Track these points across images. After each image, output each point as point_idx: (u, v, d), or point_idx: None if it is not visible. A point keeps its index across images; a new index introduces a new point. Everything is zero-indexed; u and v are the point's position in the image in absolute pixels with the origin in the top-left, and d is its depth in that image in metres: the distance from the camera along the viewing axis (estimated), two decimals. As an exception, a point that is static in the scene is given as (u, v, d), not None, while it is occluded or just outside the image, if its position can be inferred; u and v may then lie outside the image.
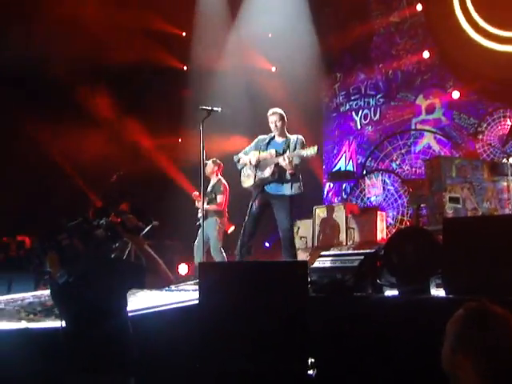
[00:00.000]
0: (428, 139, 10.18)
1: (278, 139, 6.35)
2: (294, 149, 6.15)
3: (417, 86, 10.53)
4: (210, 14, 11.35)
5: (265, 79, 11.53)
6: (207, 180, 8.08)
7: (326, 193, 11.97)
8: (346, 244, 7.92)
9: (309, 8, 11.35)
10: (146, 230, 3.43)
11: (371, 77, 11.44)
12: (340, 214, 8.22)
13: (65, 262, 3.17)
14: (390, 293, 4.33)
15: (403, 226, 9.35)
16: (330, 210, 8.47)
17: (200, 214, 7.61)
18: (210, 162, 8.05)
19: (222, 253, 7.94)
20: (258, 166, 6.22)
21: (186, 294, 5.36)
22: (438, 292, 4.09)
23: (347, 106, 11.91)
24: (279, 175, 6.11)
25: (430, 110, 10.26)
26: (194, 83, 11.47)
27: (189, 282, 6.53)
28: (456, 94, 9.77)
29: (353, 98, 11.81)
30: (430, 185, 6.93)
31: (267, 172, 6.13)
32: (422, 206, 7.54)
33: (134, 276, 3.21)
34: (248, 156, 6.34)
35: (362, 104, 11.60)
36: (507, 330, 1.86)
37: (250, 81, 10.92)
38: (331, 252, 5.82)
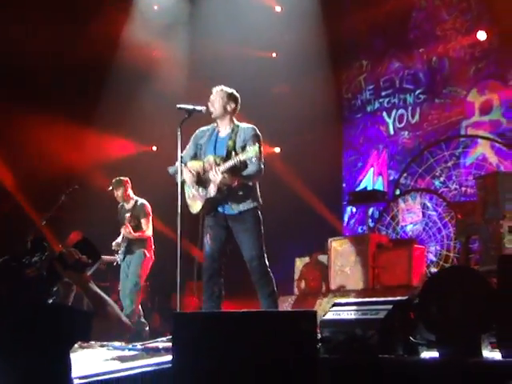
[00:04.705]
0: (483, 148, 10.25)
1: (222, 131, 6.27)
2: (244, 146, 6.04)
3: (469, 78, 10.64)
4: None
5: (262, 68, 11.66)
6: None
7: (346, 220, 12.03)
8: (372, 288, 7.96)
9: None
10: (94, 267, 3.49)
11: (409, 65, 11.59)
12: (364, 248, 8.28)
13: None
14: (428, 354, 4.36)
15: (448, 265, 9.36)
16: (351, 242, 8.54)
17: (121, 249, 8.40)
18: (114, 187, 8.63)
19: (137, 296, 8.27)
20: (200, 181, 6.18)
21: (157, 355, 5.38)
22: (491, 354, 4.12)
23: (376, 105, 12.05)
24: (229, 189, 6.04)
25: (486, 108, 10.35)
26: (168, 73, 11.63)
27: (159, 339, 6.56)
28: (521, 88, 9.82)
29: (384, 93, 11.94)
30: (483, 210, 6.98)
31: (212, 189, 6.06)
32: (472, 237, 7.58)
33: (76, 326, 3.26)
34: (185, 170, 6.21)
35: (397, 102, 11.73)
36: None
37: (242, 71, 11.04)
38: (349, 299, 5.85)
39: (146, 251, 8.42)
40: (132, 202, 8.64)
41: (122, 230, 8.45)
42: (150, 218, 8.53)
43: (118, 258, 8.49)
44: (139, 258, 8.39)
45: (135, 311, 8.28)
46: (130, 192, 8.68)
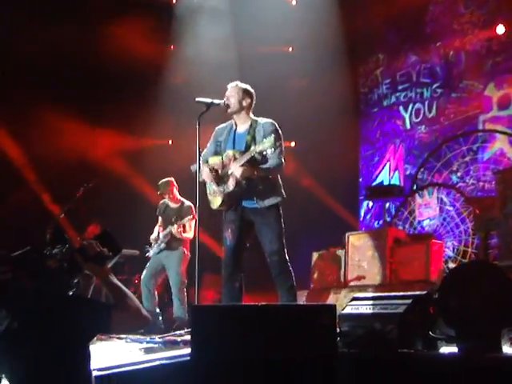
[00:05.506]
0: (501, 143, 10.18)
1: (240, 127, 6.30)
2: (263, 140, 5.99)
3: (486, 72, 10.58)
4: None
5: (278, 63, 11.64)
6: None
7: (363, 214, 12.01)
8: (389, 283, 7.93)
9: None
10: (114, 260, 3.52)
11: (426, 59, 11.54)
12: (381, 243, 8.26)
13: (6, 301, 3.23)
14: (447, 349, 4.35)
15: (466, 261, 9.33)
16: (369, 237, 8.53)
17: (158, 243, 8.55)
18: (163, 190, 8.78)
19: (184, 295, 8.43)
20: (220, 177, 6.19)
21: (175, 347, 5.40)
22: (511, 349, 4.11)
23: (393, 99, 12.01)
24: (249, 183, 6.04)
25: (504, 103, 10.27)
26: (185, 68, 11.65)
27: (178, 332, 6.58)
28: (539, 82, 9.80)
29: (400, 87, 11.90)
30: (502, 205, 6.93)
31: (231, 183, 6.07)
32: (491, 233, 7.55)
33: (96, 318, 3.28)
34: (205, 167, 6.25)
35: (413, 96, 11.69)
36: None
37: (258, 65, 11.04)
38: (368, 294, 5.84)
39: (185, 249, 8.57)
40: (179, 203, 8.77)
41: (172, 229, 8.54)
42: (194, 220, 8.57)
43: (152, 251, 8.62)
44: (179, 256, 8.55)
45: (185, 309, 8.33)
46: (176, 193, 8.78)
